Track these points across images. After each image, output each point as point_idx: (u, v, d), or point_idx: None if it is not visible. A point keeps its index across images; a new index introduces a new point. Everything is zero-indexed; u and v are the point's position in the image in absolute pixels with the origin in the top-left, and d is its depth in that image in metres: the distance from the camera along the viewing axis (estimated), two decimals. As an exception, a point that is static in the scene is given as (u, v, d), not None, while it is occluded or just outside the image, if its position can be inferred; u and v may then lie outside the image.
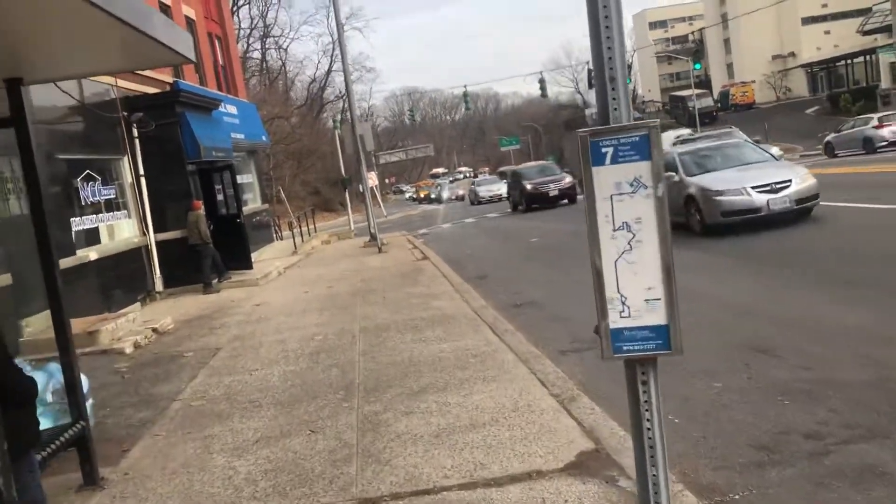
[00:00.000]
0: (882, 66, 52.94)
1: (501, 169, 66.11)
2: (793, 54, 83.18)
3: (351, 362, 7.00)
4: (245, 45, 61.56)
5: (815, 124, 49.04)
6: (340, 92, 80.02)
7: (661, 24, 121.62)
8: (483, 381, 5.82)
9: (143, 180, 14.07)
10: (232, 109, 20.63)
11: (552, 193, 26.86)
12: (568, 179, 27.35)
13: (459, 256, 16.06)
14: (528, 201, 27.39)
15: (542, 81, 40.51)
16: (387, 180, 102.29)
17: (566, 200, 26.74)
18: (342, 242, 25.30)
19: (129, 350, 9.15)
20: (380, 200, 54.99)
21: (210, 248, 14.29)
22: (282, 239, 27.36)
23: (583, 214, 2.81)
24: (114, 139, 13.58)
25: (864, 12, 79.36)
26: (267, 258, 21.16)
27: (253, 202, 22.84)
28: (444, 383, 5.90)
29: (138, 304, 13.38)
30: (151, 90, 15.03)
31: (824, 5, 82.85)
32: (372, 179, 33.79)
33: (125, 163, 13.91)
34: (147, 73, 15.40)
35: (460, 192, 63.37)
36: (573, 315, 8.20)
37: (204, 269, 14.23)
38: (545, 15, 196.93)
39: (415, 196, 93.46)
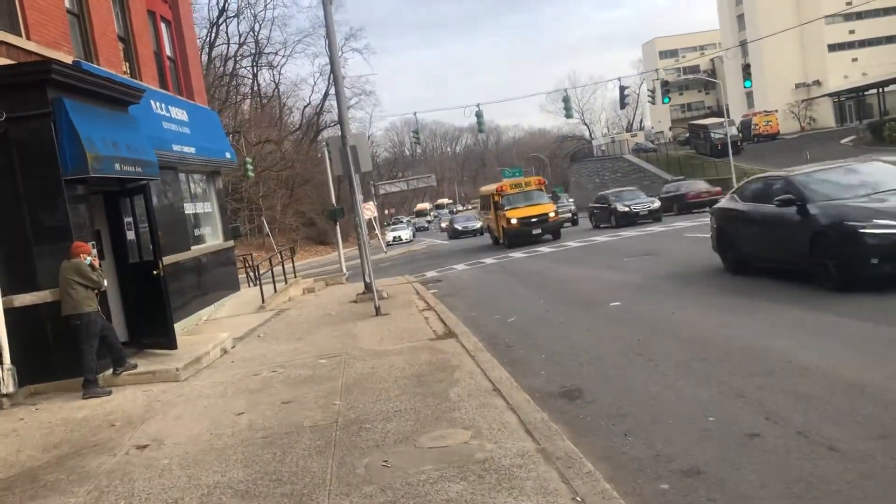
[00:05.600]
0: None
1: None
2: (818, 83, 77.88)
3: None
4: (234, 63, 56.50)
5: (857, 155, 43.88)
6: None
7: (672, 53, 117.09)
8: None
9: (-15, 208, 8.48)
10: (179, 114, 15.09)
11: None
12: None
13: (501, 329, 10.33)
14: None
15: (566, 100, 35.19)
16: (386, 211, 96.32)
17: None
18: (329, 291, 19.60)
19: None
20: (379, 235, 49.20)
21: (95, 319, 8.65)
22: (256, 284, 21.54)
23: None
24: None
25: (894, 39, 74.99)
26: (224, 316, 15.50)
27: (212, 238, 17.18)
28: None
29: (-44, 421, 7.70)
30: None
31: (852, 31, 77.73)
32: (369, 210, 28.27)
33: (-47, 179, 8.33)
34: (23, 43, 9.90)
35: None
36: None
37: (84, 356, 8.52)
38: (546, 52, 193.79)
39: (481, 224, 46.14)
